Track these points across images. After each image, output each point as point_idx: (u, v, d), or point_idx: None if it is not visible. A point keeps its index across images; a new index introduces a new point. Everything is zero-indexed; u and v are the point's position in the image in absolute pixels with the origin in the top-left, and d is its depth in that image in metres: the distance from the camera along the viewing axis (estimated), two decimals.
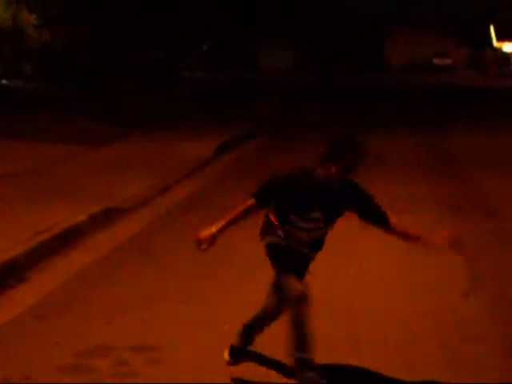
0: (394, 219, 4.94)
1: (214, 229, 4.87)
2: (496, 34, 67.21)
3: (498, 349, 5.60)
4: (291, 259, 4.95)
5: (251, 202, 4.92)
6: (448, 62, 68.50)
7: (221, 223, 4.89)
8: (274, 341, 5.32)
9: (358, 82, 46.18)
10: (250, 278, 7.35)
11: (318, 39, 55.67)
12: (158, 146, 15.84)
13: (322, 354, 5.07)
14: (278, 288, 5.00)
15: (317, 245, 5.03)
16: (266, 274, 7.39)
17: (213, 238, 4.87)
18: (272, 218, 5.00)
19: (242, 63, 49.43)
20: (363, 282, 7.29)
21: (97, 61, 36.25)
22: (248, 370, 5.25)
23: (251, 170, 13.90)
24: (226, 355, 5.32)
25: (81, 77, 34.29)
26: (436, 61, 68.76)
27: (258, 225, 5.15)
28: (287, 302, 4.87)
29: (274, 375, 5.17)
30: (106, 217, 9.73)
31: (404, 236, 5.05)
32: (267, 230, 5.06)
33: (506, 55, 66.15)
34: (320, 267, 5.38)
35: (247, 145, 17.51)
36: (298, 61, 57.65)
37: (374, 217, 4.94)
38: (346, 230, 6.68)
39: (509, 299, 6.77)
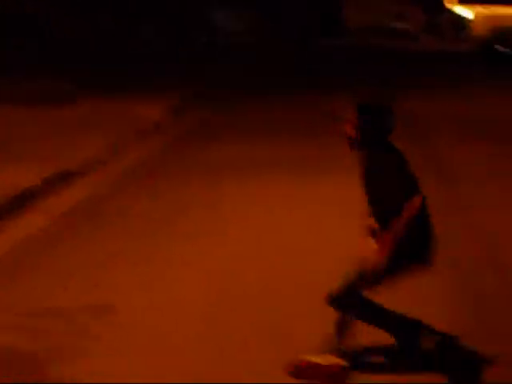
0: None
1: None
2: None
3: (443, 311, 5.68)
4: None
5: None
6: (407, 26, 68.57)
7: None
8: None
9: (314, 46, 45.99)
10: (196, 241, 7.40)
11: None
12: (111, 108, 15.52)
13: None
14: None
15: None
16: (211, 237, 7.47)
17: None
18: None
19: (201, 25, 48.64)
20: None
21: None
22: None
23: (210, 133, 13.85)
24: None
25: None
26: (396, 24, 68.76)
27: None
28: None
29: None
30: (58, 180, 9.62)
31: None
32: None
33: (466, 20, 66.43)
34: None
35: (203, 106, 17.35)
36: (254, 24, 56.90)
37: None
38: None
39: (459, 263, 6.83)
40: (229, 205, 8.78)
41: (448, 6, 67.04)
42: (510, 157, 11.76)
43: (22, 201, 8.62)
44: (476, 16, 65.37)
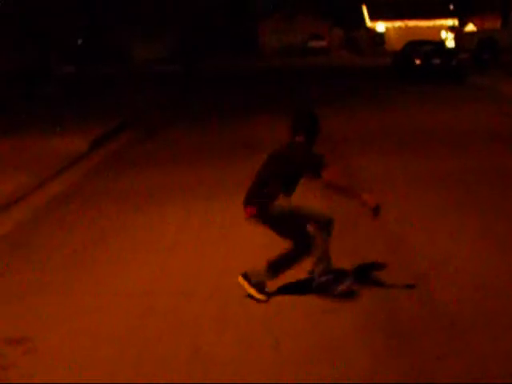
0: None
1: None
2: (369, 14, 68.75)
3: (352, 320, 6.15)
4: None
5: None
6: (323, 44, 69.76)
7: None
8: None
9: (230, 68, 46.16)
10: (122, 268, 7.67)
11: (187, 26, 54.65)
12: (30, 143, 15.46)
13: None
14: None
15: None
16: (138, 265, 7.76)
17: None
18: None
19: (113, 56, 47.47)
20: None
21: None
22: None
23: (127, 163, 14.06)
24: (257, 294, 6.45)
25: None
26: (312, 43, 69.93)
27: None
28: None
29: None
30: None
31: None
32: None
33: (380, 34, 67.72)
34: None
35: (122, 138, 17.51)
36: (171, 49, 56.30)
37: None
38: None
39: None
40: (145, 232, 9.10)
41: (367, 22, 68.34)
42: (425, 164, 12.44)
43: None
44: (388, 30, 66.86)
